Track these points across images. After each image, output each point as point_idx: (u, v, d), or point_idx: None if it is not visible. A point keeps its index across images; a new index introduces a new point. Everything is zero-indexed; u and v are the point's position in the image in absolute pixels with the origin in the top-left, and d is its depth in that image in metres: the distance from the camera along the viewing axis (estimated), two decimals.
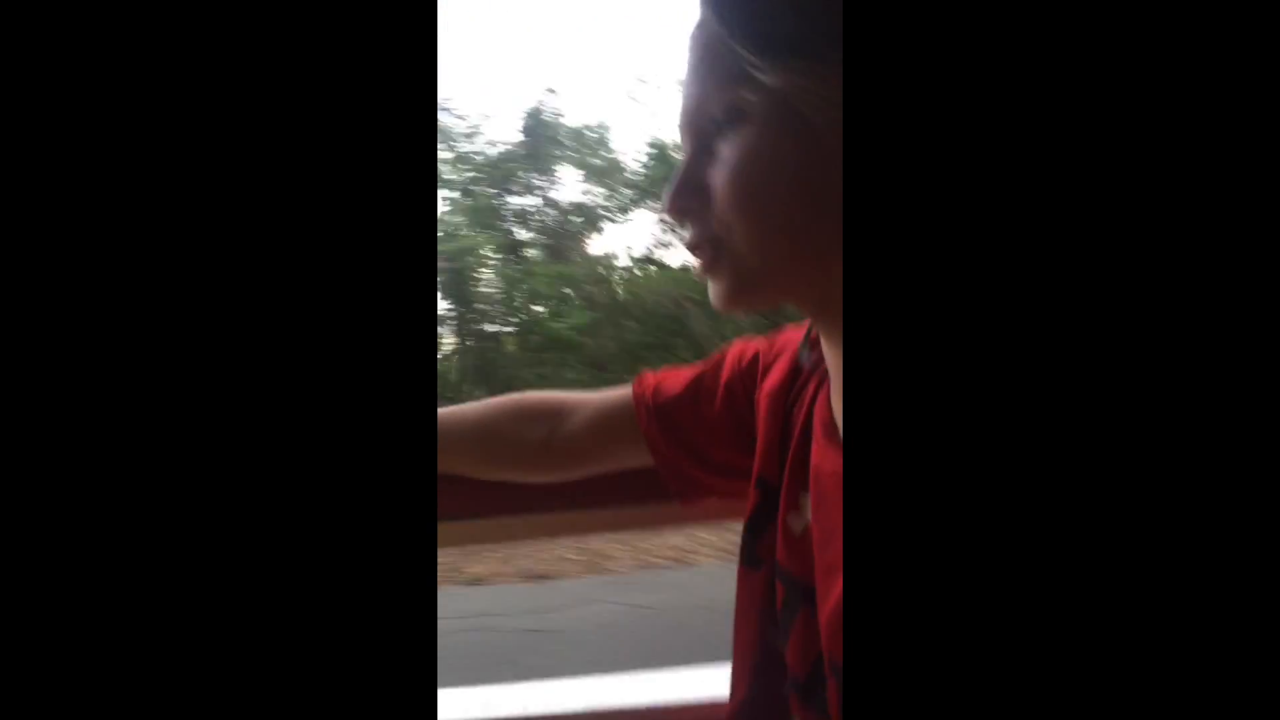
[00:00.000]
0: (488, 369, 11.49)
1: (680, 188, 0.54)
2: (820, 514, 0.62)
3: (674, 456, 0.76)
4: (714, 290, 0.57)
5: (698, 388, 0.78)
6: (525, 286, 11.96)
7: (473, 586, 5.80)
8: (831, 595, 0.59)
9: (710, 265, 0.56)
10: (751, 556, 0.71)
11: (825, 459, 0.63)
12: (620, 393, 0.81)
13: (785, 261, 0.55)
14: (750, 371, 0.75)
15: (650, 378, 0.81)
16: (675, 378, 0.80)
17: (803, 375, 0.70)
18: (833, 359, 0.61)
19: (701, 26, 0.54)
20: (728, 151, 0.53)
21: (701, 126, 0.54)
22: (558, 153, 12.76)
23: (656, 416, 0.77)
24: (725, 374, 0.76)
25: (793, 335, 0.74)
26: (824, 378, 0.67)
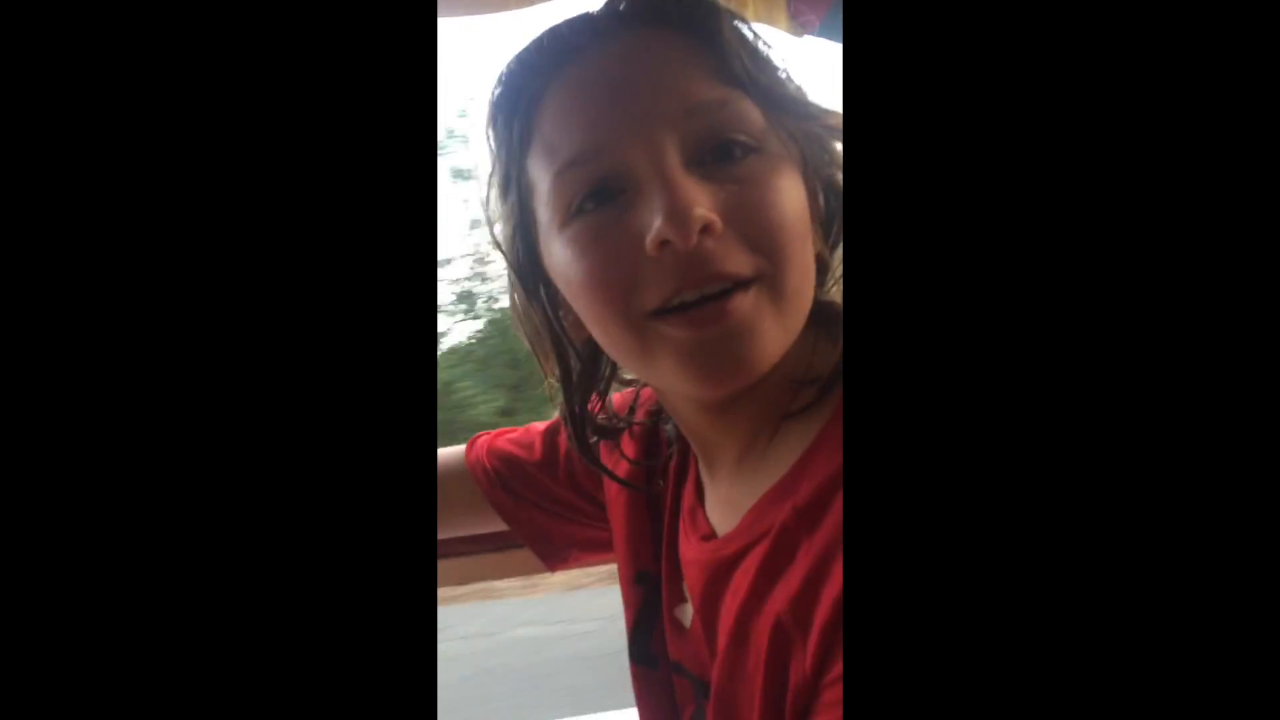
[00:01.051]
0: None
1: (697, 209, 0.46)
2: (698, 604, 0.60)
3: (529, 521, 0.72)
4: (748, 340, 0.48)
5: (536, 454, 0.74)
6: None
7: None
8: (714, 691, 0.56)
9: (742, 308, 0.48)
10: (645, 655, 0.68)
11: (689, 549, 0.61)
12: (445, 461, 0.77)
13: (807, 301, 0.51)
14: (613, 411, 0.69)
15: (483, 441, 0.77)
16: (509, 441, 0.76)
17: (663, 454, 0.66)
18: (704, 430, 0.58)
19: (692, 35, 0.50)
20: (750, 176, 0.48)
21: (689, 139, 0.48)
22: None
23: (501, 485, 0.73)
24: (564, 445, 0.72)
25: (621, 401, 0.69)
26: (685, 456, 0.64)
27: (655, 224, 0.46)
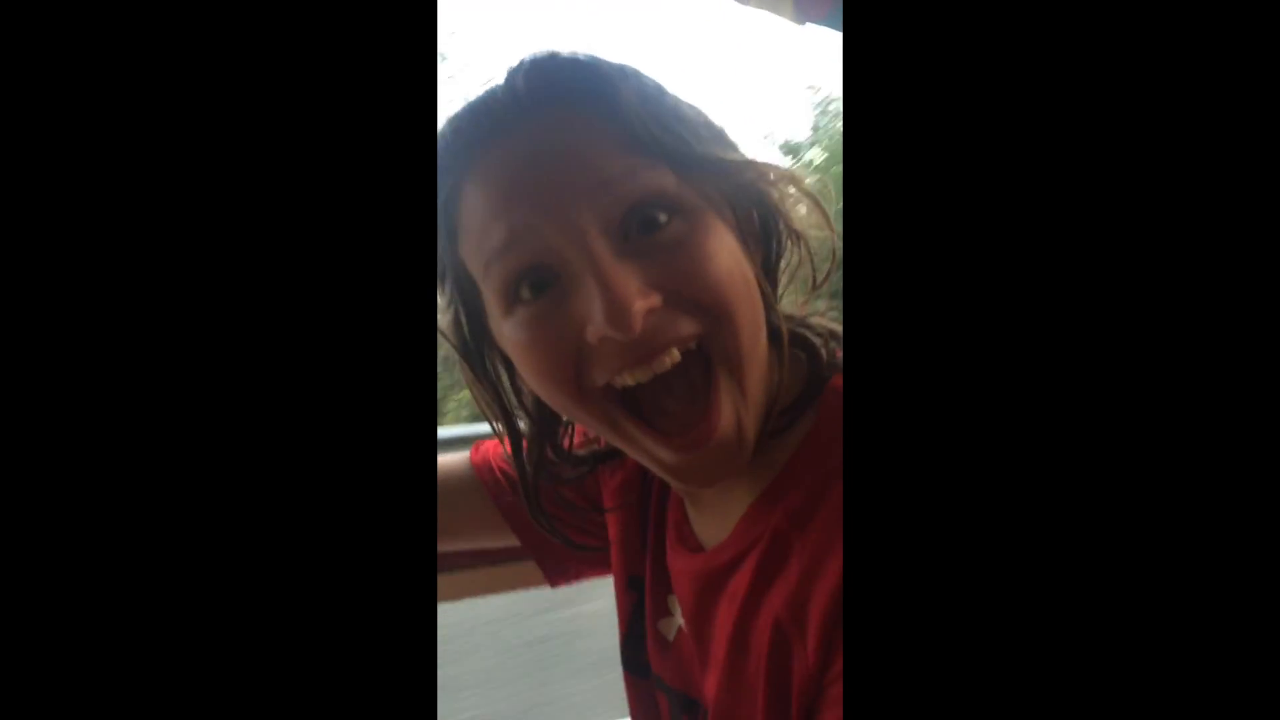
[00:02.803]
0: None
1: (636, 304, 0.46)
2: (689, 616, 0.59)
3: (535, 529, 0.69)
4: (712, 421, 0.49)
5: None
6: None
7: None
8: (712, 703, 0.55)
9: (684, 374, 0.49)
10: (637, 663, 0.66)
11: (678, 561, 0.60)
12: (451, 464, 0.76)
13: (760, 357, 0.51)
14: (590, 443, 0.70)
15: (490, 445, 0.75)
16: None
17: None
18: None
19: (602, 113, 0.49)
20: (677, 241, 0.48)
21: (607, 214, 0.47)
22: None
23: (511, 489, 0.71)
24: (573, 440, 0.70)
25: None
26: None
27: (596, 318, 0.46)
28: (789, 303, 0.58)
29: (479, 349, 0.57)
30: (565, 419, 0.64)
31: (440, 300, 0.57)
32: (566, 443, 0.66)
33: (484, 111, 0.50)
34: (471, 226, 0.51)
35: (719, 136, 0.53)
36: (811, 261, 0.56)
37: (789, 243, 0.56)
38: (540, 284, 0.49)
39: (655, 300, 0.47)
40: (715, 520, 0.58)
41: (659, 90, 0.52)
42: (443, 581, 0.78)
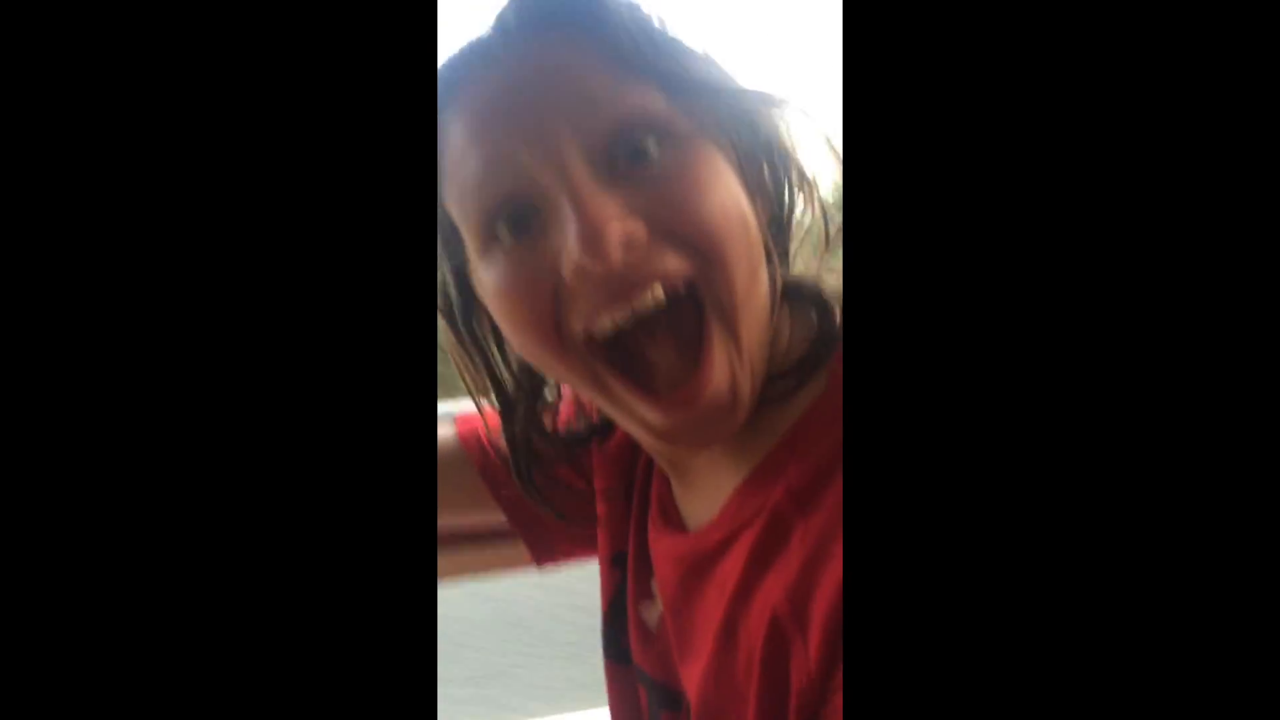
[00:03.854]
0: None
1: (612, 225, 0.41)
2: (669, 601, 0.53)
3: (524, 504, 0.65)
4: (705, 374, 0.44)
5: None
6: None
7: None
8: (696, 699, 0.49)
9: (672, 323, 0.45)
10: (616, 649, 0.61)
11: (660, 541, 0.55)
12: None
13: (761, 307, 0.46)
14: (582, 413, 0.65)
15: (474, 417, 0.70)
16: None
17: None
18: None
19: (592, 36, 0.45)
20: (668, 171, 0.43)
21: (590, 138, 0.43)
22: None
23: (500, 460, 0.66)
24: (562, 411, 0.66)
25: None
26: None
27: (570, 246, 0.42)
28: (802, 265, 0.53)
29: (465, 307, 0.53)
30: (548, 394, 0.59)
31: None
32: (551, 418, 0.61)
33: (473, 49, 0.47)
34: (452, 162, 0.47)
35: (717, 65, 0.48)
36: (824, 214, 0.51)
37: (800, 193, 0.51)
38: (519, 222, 0.45)
39: (636, 228, 0.42)
40: (703, 497, 0.52)
41: (656, 14, 0.47)
42: None
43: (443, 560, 0.75)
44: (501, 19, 0.47)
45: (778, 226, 0.50)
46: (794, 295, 0.50)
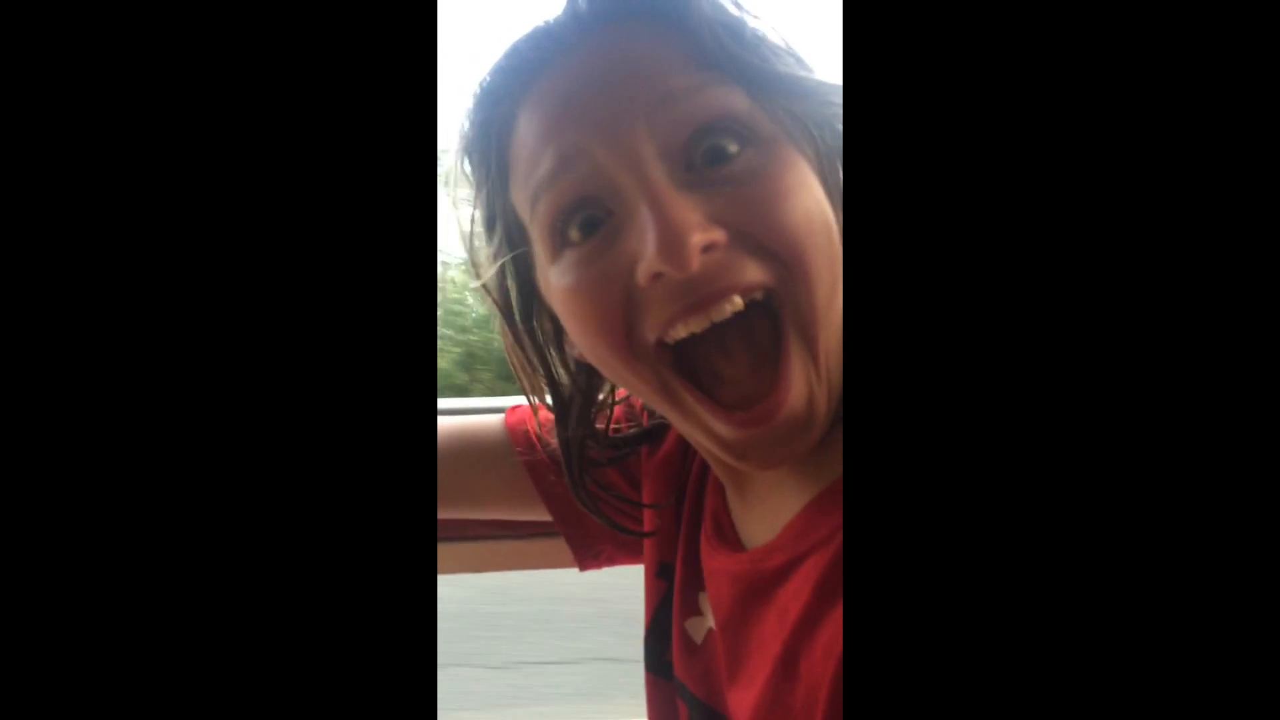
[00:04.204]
0: None
1: (694, 235, 0.40)
2: (723, 621, 0.51)
3: (568, 502, 0.63)
4: (782, 385, 0.42)
5: None
6: None
7: None
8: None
9: (744, 333, 0.43)
10: (659, 663, 0.59)
11: (714, 558, 0.53)
12: (484, 425, 0.69)
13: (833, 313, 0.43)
14: (634, 417, 0.63)
15: (527, 408, 0.68)
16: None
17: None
18: None
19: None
20: (749, 173, 0.41)
21: (668, 137, 0.41)
22: None
23: (546, 452, 0.64)
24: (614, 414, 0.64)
25: None
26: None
27: (647, 252, 0.40)
28: None
29: (526, 307, 0.51)
30: (602, 395, 0.57)
31: (488, 250, 0.51)
32: (603, 421, 0.60)
33: (543, 34, 0.45)
34: (521, 158, 0.45)
35: (802, 61, 0.45)
36: None
37: None
38: (592, 223, 0.43)
39: (718, 235, 0.40)
40: (764, 515, 0.50)
41: (737, 5, 0.45)
42: (464, 551, 0.72)
43: (482, 550, 0.74)
44: (573, 4, 0.45)
45: None
46: None
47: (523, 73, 0.45)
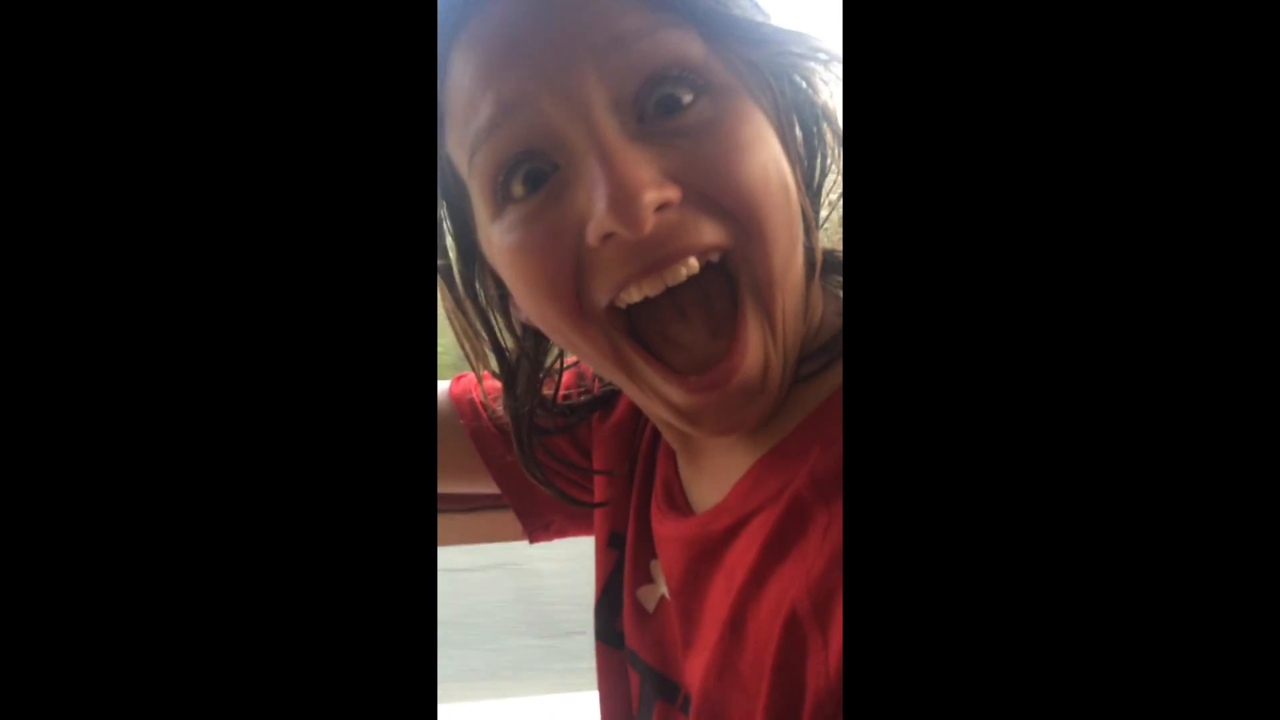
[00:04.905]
0: None
1: (648, 193, 0.38)
2: (676, 588, 0.50)
3: (516, 472, 0.60)
4: (739, 348, 0.41)
5: None
6: None
7: None
8: (697, 692, 0.46)
9: (700, 296, 0.41)
10: (610, 631, 0.58)
11: (665, 524, 0.51)
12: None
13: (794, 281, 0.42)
14: (584, 384, 0.61)
15: (472, 377, 0.66)
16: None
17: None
18: None
19: None
20: (703, 124, 0.39)
21: (619, 83, 0.39)
22: None
23: (493, 421, 0.62)
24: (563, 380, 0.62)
25: None
26: None
27: (598, 210, 0.37)
28: (830, 236, 0.49)
29: (467, 268, 0.49)
30: (550, 361, 0.55)
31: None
32: (551, 387, 0.57)
33: None
34: (457, 105, 0.42)
35: (758, 5, 0.43)
36: None
37: (832, 158, 0.47)
38: (536, 176, 0.41)
39: (672, 194, 0.38)
40: (712, 479, 0.49)
41: None
42: None
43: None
44: None
45: (811, 193, 0.46)
46: (826, 269, 0.47)
47: (456, 5, 0.42)
